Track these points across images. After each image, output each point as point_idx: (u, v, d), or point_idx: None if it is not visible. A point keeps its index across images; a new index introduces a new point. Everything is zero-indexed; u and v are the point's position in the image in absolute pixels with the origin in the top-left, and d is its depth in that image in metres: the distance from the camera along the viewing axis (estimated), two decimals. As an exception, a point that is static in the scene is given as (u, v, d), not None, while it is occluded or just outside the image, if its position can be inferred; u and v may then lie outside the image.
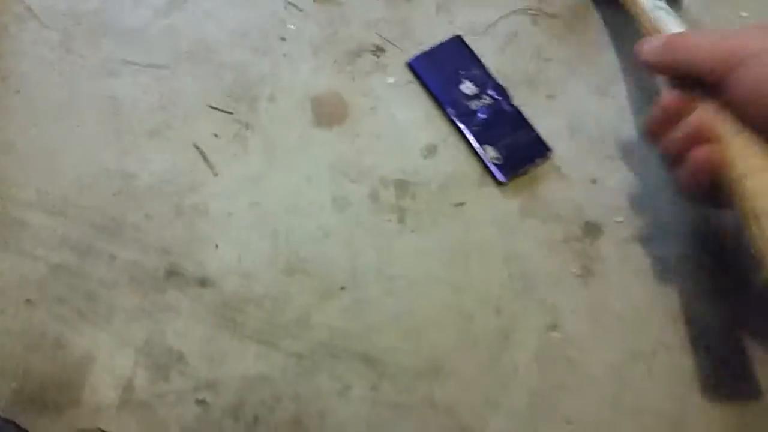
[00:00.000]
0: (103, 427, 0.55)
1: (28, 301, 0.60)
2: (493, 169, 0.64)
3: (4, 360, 0.58)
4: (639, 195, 0.62)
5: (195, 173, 0.65)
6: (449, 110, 0.67)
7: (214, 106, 0.69)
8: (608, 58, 0.70)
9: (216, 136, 0.67)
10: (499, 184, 0.64)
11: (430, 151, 0.66)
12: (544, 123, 0.65)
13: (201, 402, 0.56)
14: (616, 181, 0.63)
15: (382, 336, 0.58)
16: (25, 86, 0.70)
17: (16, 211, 0.64)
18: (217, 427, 0.55)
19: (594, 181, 0.63)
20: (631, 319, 0.57)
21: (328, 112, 0.69)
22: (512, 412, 0.55)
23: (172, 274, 0.60)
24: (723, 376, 0.56)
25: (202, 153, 0.66)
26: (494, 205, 0.63)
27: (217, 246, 0.62)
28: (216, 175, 0.65)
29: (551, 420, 0.55)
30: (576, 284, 0.59)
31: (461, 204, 0.63)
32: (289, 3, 0.75)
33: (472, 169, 0.64)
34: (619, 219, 0.62)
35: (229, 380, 0.57)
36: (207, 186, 0.64)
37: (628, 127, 0.66)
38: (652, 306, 0.58)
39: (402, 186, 0.64)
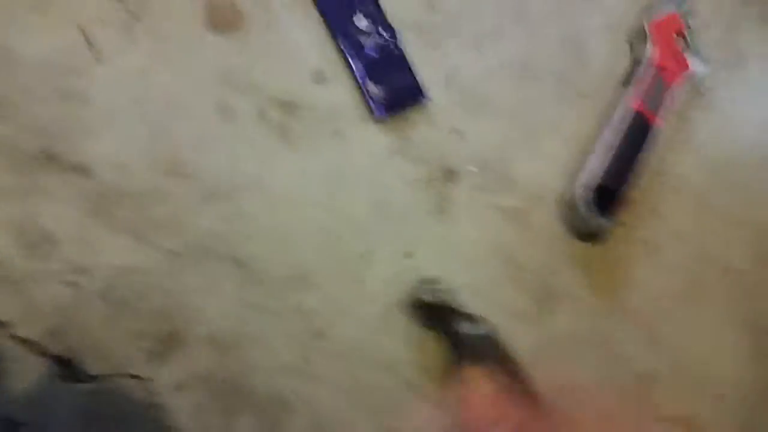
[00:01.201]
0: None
1: None
2: (373, 105, 0.72)
3: None
4: (494, 151, 0.74)
5: (78, 57, 0.66)
6: (341, 40, 0.74)
7: (105, -12, 0.69)
8: (490, 13, 0.79)
9: (102, 21, 0.68)
10: (377, 120, 0.72)
11: (319, 76, 0.73)
12: (425, 70, 0.74)
13: (72, 284, 0.62)
14: (477, 135, 0.74)
15: (254, 244, 0.67)
16: None
17: None
18: (88, 307, 0.61)
19: (458, 132, 0.74)
20: (473, 256, 0.71)
21: (223, 18, 0.73)
22: (362, 321, 0.66)
23: (49, 157, 0.63)
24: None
25: (86, 37, 0.67)
26: (369, 139, 0.72)
27: (96, 134, 0.65)
28: (99, 61, 0.67)
29: (395, 334, 0.67)
30: (431, 220, 0.71)
31: (341, 133, 0.71)
32: None
33: (355, 101, 0.72)
34: (474, 169, 0.73)
35: (100, 267, 0.63)
36: (90, 72, 0.66)
37: (497, 86, 0.77)
38: (493, 248, 0.71)
39: (288, 106, 0.71)
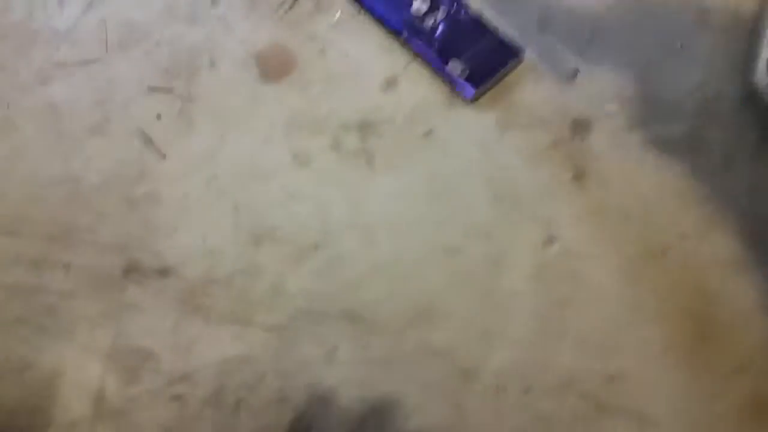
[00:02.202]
0: (78, 443, 0.54)
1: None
2: (460, 85, 0.61)
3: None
4: (628, 77, 0.58)
5: (142, 161, 0.64)
6: (404, 34, 0.64)
7: (153, 86, 0.67)
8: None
9: (159, 117, 0.66)
10: (470, 100, 0.61)
11: (390, 83, 0.63)
12: (509, 23, 0.62)
13: (177, 397, 0.55)
14: (600, 69, 0.59)
15: (363, 290, 0.57)
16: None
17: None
18: (198, 419, 0.54)
19: (575, 74, 0.59)
20: (640, 214, 0.53)
21: (275, 66, 0.67)
22: (516, 340, 0.53)
23: (131, 270, 0.60)
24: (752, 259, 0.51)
25: (146, 138, 0.65)
26: (468, 125, 0.60)
27: (174, 231, 0.61)
28: (164, 157, 0.64)
29: (561, 340, 0.51)
30: (571, 190, 0.56)
31: (431, 131, 0.60)
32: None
33: (438, 91, 0.62)
34: (610, 108, 0.57)
35: (204, 368, 0.55)
36: (157, 171, 0.63)
37: (604, 4, 0.61)
38: (660, 195, 0.53)
39: (365, 127, 0.62)
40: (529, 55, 0.61)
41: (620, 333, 0.52)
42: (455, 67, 0.61)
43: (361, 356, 0.54)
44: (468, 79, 0.61)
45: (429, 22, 0.65)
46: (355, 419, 0.53)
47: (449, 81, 0.61)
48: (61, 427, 0.55)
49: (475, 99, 0.60)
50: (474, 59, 0.62)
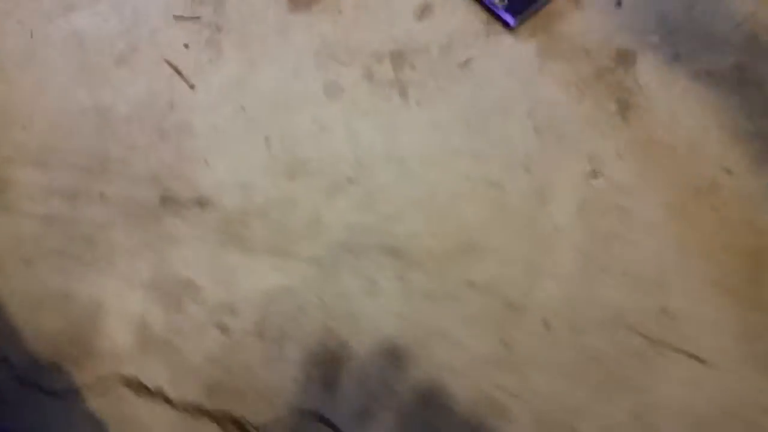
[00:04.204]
0: (124, 372, 0.57)
1: (25, 260, 0.63)
2: (500, 13, 0.61)
3: (14, 324, 0.61)
4: (674, 7, 0.58)
5: (172, 91, 0.65)
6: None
7: (179, 15, 0.69)
8: None
9: (186, 46, 0.67)
10: (510, 29, 0.61)
11: (424, 10, 0.64)
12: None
13: (220, 327, 0.58)
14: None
15: (402, 223, 0.58)
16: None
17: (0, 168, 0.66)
18: (243, 349, 0.57)
19: (619, 3, 0.60)
20: (685, 148, 0.55)
21: (304, -8, 0.68)
22: (561, 274, 0.54)
23: (167, 200, 0.62)
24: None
25: (175, 68, 0.66)
26: (507, 54, 0.60)
27: (207, 162, 0.62)
28: (193, 87, 0.65)
29: (607, 275, 0.53)
30: (615, 122, 0.57)
31: (468, 62, 0.61)
32: None
33: (476, 18, 0.62)
34: (655, 39, 0.58)
35: (247, 299, 0.58)
36: (187, 101, 0.64)
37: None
38: (707, 129, 0.55)
39: (398, 57, 0.62)
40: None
41: (668, 269, 0.53)
42: (496, -6, 0.62)
43: (402, 290, 0.56)
44: (508, 8, 0.61)
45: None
46: (395, 352, 0.56)
47: (487, 8, 0.62)
48: (105, 356, 0.58)
49: (515, 28, 0.60)
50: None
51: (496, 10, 0.60)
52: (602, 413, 0.52)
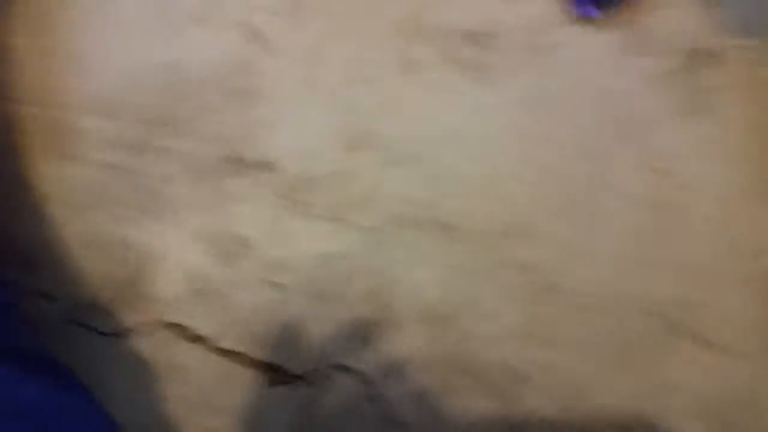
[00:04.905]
0: (172, 318, 0.60)
1: (86, 205, 0.66)
2: (583, 4, 0.61)
3: (77, 267, 0.64)
4: (762, 10, 0.58)
5: (247, 55, 0.67)
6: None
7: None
8: None
9: (265, 10, 0.68)
10: (593, 20, 0.61)
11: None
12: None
13: (273, 284, 0.60)
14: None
15: (458, 201, 0.59)
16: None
17: (67, 118, 0.69)
18: (290, 305, 0.59)
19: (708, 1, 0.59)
20: (752, 156, 0.55)
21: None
22: (600, 260, 0.57)
23: (231, 160, 0.64)
24: None
25: (254, 30, 0.68)
26: (589, 44, 0.61)
27: (274, 127, 0.65)
28: (269, 53, 0.67)
29: (658, 266, 0.54)
30: (685, 121, 0.57)
31: (547, 48, 0.61)
32: None
33: (560, 6, 0.62)
34: (739, 42, 0.58)
35: (299, 260, 0.60)
36: (261, 66, 0.66)
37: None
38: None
39: (476, 38, 0.63)
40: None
41: (713, 267, 0.55)
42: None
43: (447, 264, 0.58)
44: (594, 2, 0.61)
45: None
46: (431, 318, 0.58)
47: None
48: (156, 302, 0.61)
49: (598, 19, 0.60)
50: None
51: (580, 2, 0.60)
52: (620, 392, 0.58)
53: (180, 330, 0.59)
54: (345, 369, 0.59)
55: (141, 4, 0.70)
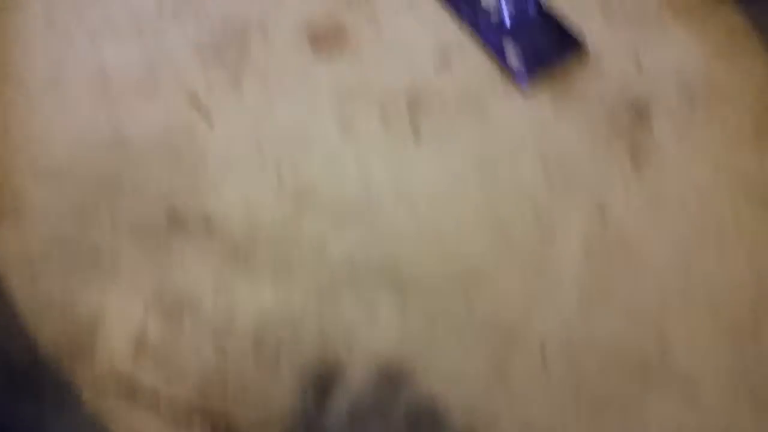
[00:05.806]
0: (119, 377, 0.58)
1: (31, 269, 0.64)
2: (516, 72, 0.65)
3: (19, 326, 0.63)
4: (693, 67, 0.63)
5: (191, 124, 0.68)
6: (463, 10, 0.68)
7: (204, 53, 0.73)
8: None
9: (207, 85, 0.71)
10: (526, 89, 0.65)
11: (444, 59, 0.68)
12: (572, 6, 0.67)
13: (218, 346, 0.59)
14: (664, 55, 0.64)
15: (406, 257, 0.60)
16: (13, 66, 0.76)
17: (14, 186, 0.69)
18: (238, 370, 0.58)
19: (637, 61, 0.64)
20: (695, 205, 0.58)
21: (326, 35, 0.72)
22: (560, 307, 0.58)
23: (175, 221, 0.64)
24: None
25: (196, 103, 0.70)
26: (522, 104, 0.64)
27: (218, 189, 0.66)
28: (212, 124, 0.69)
29: (606, 309, 0.56)
30: (626, 173, 0.60)
31: (482, 109, 0.64)
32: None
33: (494, 72, 0.65)
34: (671, 96, 0.62)
35: (245, 321, 0.59)
36: (204, 136, 0.68)
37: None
38: (716, 183, 0.58)
39: (414, 101, 0.66)
40: (591, 39, 0.65)
41: (668, 306, 0.56)
42: (512, 53, 0.66)
43: (401, 318, 0.57)
44: (525, 69, 0.64)
45: (491, 3, 0.69)
46: (389, 373, 0.57)
47: (505, 66, 0.65)
48: (102, 364, 0.59)
49: (528, 87, 0.64)
50: (532, 47, 0.66)
51: (512, 69, 0.65)
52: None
53: (126, 388, 0.57)
54: (299, 428, 0.57)
55: (90, 84, 0.72)
